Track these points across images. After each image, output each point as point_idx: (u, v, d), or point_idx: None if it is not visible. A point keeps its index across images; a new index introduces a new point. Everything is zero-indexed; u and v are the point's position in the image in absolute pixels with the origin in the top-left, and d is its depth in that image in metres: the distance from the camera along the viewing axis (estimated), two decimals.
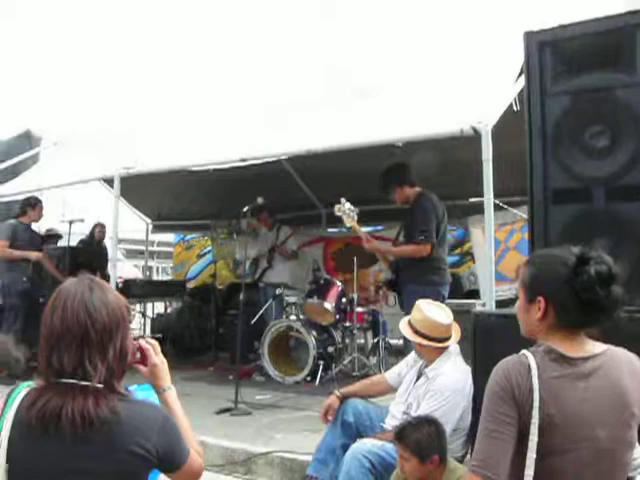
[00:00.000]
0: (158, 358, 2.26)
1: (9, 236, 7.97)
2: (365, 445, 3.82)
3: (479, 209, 5.69)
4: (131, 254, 22.41)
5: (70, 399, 1.85)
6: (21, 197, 8.49)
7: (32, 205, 8.26)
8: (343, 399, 4.28)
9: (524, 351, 2.11)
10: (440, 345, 3.98)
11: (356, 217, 5.96)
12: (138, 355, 2.24)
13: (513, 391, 2.02)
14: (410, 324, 4.07)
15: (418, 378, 4.09)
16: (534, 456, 1.98)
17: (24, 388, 1.98)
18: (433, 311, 4.04)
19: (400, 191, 6.05)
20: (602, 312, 2.07)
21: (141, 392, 2.50)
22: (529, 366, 2.03)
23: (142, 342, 2.27)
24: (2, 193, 8.90)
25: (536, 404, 1.98)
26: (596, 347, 2.12)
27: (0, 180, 9.67)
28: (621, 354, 2.14)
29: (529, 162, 3.92)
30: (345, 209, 5.91)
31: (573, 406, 2.00)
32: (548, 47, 3.90)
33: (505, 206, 7.32)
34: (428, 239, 5.73)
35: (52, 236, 9.67)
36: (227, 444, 5.08)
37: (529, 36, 3.94)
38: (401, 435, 3.39)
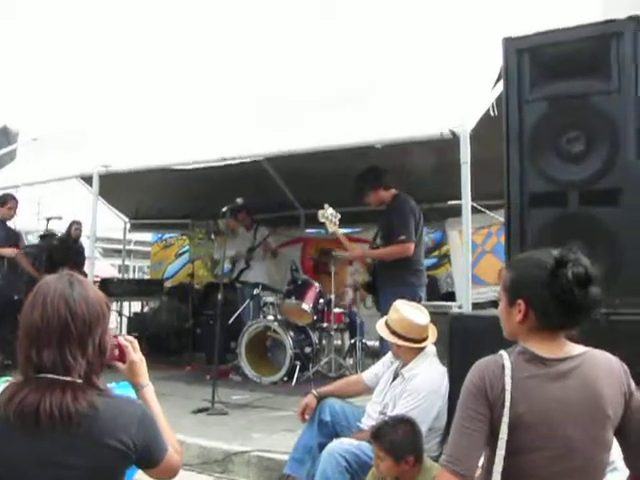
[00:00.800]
0: (137, 355, 2.28)
1: None
2: (342, 444, 3.85)
3: (457, 212, 5.74)
4: (108, 253, 22.34)
5: (48, 394, 1.86)
6: None
7: (2, 203, 8.18)
8: (320, 399, 4.32)
9: (501, 351, 2.16)
10: (416, 346, 4.02)
11: (338, 222, 6.00)
12: (116, 352, 2.25)
13: (486, 390, 2.07)
14: (387, 324, 4.11)
15: (394, 378, 4.13)
16: (503, 453, 2.02)
17: (1, 383, 2.00)
18: (410, 312, 4.08)
19: (374, 194, 6.09)
20: (581, 313, 2.11)
21: (119, 390, 2.50)
22: (503, 366, 2.08)
23: (121, 339, 2.28)
24: None
25: (507, 403, 2.03)
26: (575, 349, 2.16)
27: None
28: (600, 356, 2.18)
29: (506, 166, 3.98)
30: (328, 214, 5.95)
31: (544, 405, 2.05)
32: (526, 54, 3.97)
33: (482, 209, 7.38)
34: (409, 238, 5.77)
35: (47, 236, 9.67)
36: (204, 443, 5.10)
37: (508, 42, 4.01)
38: (377, 435, 3.42)
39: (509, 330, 2.25)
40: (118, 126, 8.60)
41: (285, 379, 7.55)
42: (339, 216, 5.94)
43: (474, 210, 6.98)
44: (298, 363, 7.57)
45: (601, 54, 3.80)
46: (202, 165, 6.48)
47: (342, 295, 9.00)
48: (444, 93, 5.73)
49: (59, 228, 10.30)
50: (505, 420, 2.03)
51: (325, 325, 7.86)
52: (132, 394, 2.30)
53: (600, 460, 2.10)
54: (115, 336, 2.28)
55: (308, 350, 7.80)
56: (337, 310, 7.93)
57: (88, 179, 7.65)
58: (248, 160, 6.35)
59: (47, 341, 1.91)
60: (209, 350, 7.94)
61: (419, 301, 5.61)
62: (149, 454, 2.01)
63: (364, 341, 7.89)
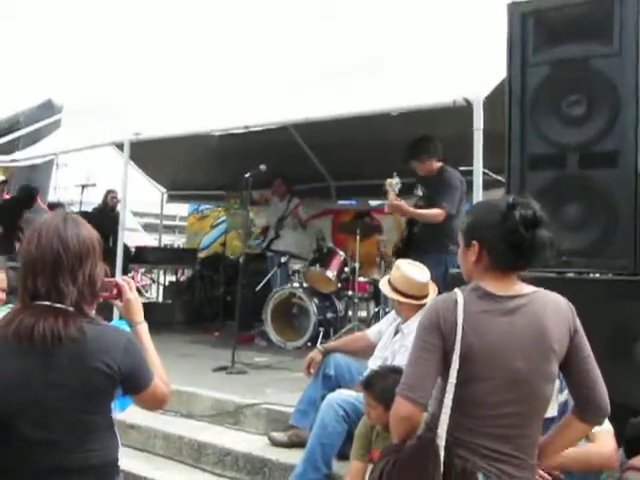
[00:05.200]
0: (132, 294, 2.46)
1: None
2: (340, 395, 4.02)
3: (487, 184, 5.67)
4: (152, 228, 22.73)
5: (42, 318, 2.05)
6: (39, 161, 8.70)
7: None
8: (325, 354, 4.49)
9: (455, 289, 2.29)
10: (417, 302, 4.14)
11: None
12: (115, 291, 2.44)
13: (439, 323, 2.21)
14: (389, 282, 4.24)
15: (395, 334, 4.26)
16: (454, 382, 2.16)
17: (4, 310, 2.20)
18: (411, 270, 4.20)
19: (429, 162, 6.08)
20: (529, 254, 2.25)
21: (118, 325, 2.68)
22: (456, 301, 2.22)
23: (118, 279, 2.47)
24: (21, 158, 9.14)
25: (459, 335, 2.17)
26: (525, 288, 2.29)
27: (23, 146, 9.97)
28: (549, 296, 2.31)
29: (507, 129, 4.06)
30: (394, 183, 5.90)
31: (493, 338, 2.18)
32: (530, 17, 4.03)
33: None
34: (450, 210, 5.74)
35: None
36: (218, 396, 5.32)
37: (512, 7, 4.07)
38: (368, 384, 3.56)
39: (466, 271, 2.40)
40: (152, 96, 8.80)
41: (309, 344, 7.65)
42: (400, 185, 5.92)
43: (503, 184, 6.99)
44: (322, 329, 7.70)
45: (604, 17, 3.84)
46: (228, 132, 6.62)
47: (372, 265, 9.06)
48: (460, 65, 5.76)
49: (98, 200, 10.56)
50: (457, 351, 2.17)
51: (350, 293, 7.95)
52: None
53: (544, 390, 2.23)
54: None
55: (332, 317, 7.93)
56: (362, 279, 8.03)
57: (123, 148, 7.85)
58: (273, 128, 6.46)
59: (41, 270, 2.11)
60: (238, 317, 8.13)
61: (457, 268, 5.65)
62: (134, 379, 2.18)
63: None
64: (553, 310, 2.25)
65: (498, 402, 2.18)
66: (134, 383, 2.20)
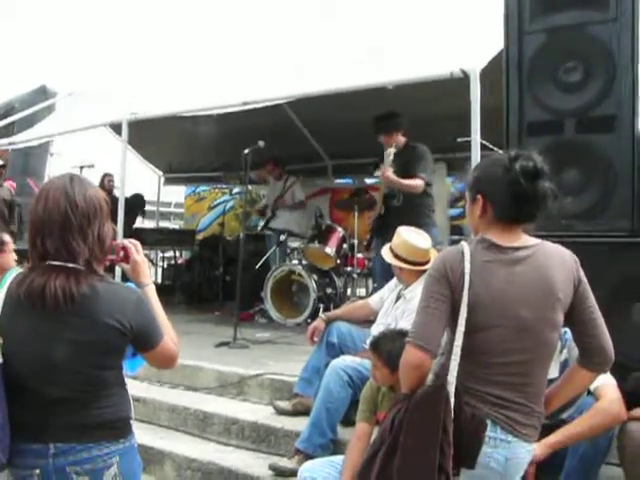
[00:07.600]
0: (139, 256, 2.47)
1: None
2: (344, 361, 4.09)
3: None
4: (148, 215, 22.62)
5: (53, 277, 2.09)
6: (35, 143, 8.72)
7: None
8: (328, 322, 4.55)
9: (462, 241, 2.35)
10: (418, 268, 4.19)
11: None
12: (122, 254, 2.46)
13: (447, 273, 2.26)
14: (391, 249, 4.30)
15: (397, 300, 4.32)
16: (463, 330, 2.22)
17: (15, 271, 2.24)
18: (411, 236, 4.26)
19: (396, 137, 6.22)
20: (531, 205, 2.30)
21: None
22: (463, 252, 2.27)
23: (125, 242, 2.49)
24: (17, 141, 9.16)
25: (466, 285, 2.22)
26: (530, 240, 2.35)
27: (18, 131, 9.99)
28: (553, 248, 2.37)
29: (505, 97, 4.11)
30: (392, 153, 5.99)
31: (499, 287, 2.24)
32: None
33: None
34: (428, 179, 6.01)
35: None
36: (221, 368, 5.40)
37: None
38: (375, 345, 3.61)
39: (473, 226, 2.45)
40: (146, 79, 8.82)
41: (309, 321, 7.66)
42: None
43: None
44: (321, 305, 7.73)
45: None
46: (225, 110, 6.63)
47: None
48: (455, 38, 5.79)
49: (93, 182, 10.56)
50: (465, 300, 2.22)
51: (349, 269, 7.99)
52: None
53: (550, 338, 2.30)
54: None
55: (331, 293, 7.97)
56: (360, 255, 8.08)
57: (119, 129, 7.84)
58: (270, 105, 6.45)
59: (49, 230, 2.14)
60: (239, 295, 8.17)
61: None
62: (145, 336, 2.22)
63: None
64: (557, 261, 2.31)
65: (505, 350, 2.24)
66: (145, 340, 2.24)
